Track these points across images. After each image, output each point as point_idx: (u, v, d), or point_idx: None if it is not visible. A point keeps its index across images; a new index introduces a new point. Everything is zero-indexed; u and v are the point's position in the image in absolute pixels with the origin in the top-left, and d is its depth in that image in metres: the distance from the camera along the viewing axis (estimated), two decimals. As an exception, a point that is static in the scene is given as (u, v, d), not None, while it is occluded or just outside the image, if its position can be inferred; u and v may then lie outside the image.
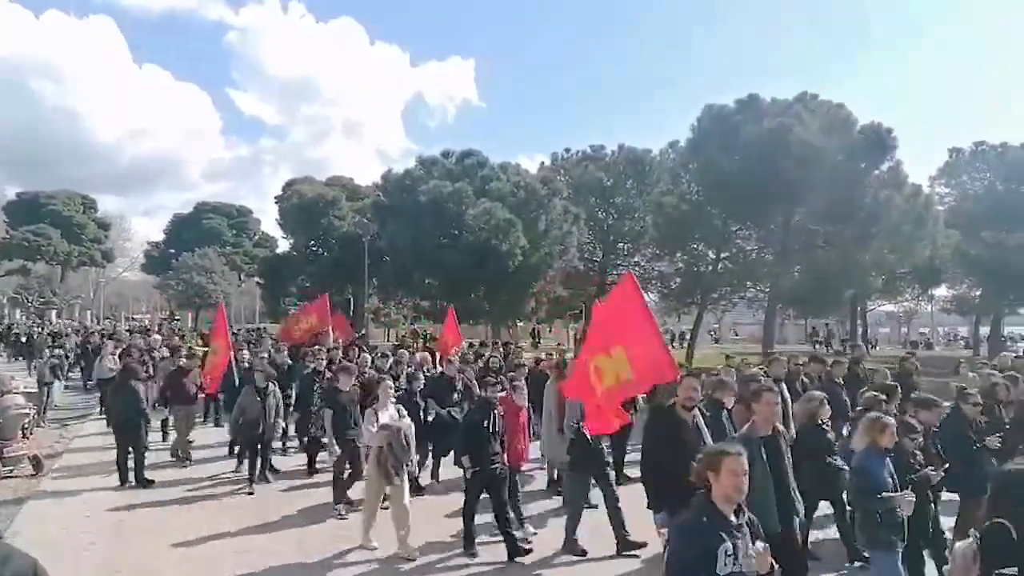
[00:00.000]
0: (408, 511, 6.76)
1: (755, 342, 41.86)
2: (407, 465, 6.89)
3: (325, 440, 8.41)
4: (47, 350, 18.68)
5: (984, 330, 39.93)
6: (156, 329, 30.71)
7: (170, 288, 51.54)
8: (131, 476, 9.19)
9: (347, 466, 8.22)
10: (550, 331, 49.89)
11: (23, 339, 28.04)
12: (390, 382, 7.44)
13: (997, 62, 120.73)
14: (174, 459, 10.64)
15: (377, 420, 6.90)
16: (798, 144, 24.45)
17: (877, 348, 40.90)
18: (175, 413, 10.87)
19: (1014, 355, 14.19)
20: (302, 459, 10.43)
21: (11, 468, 9.72)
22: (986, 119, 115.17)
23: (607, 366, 5.97)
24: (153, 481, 9.32)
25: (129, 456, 9.23)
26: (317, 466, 9.98)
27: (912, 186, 27.33)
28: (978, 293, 37.86)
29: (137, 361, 11.60)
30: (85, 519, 7.76)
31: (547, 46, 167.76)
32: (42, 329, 33.17)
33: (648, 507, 5.71)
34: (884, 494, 4.76)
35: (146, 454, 9.54)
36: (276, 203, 48.82)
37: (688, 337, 33.84)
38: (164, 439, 11.91)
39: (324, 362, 10.51)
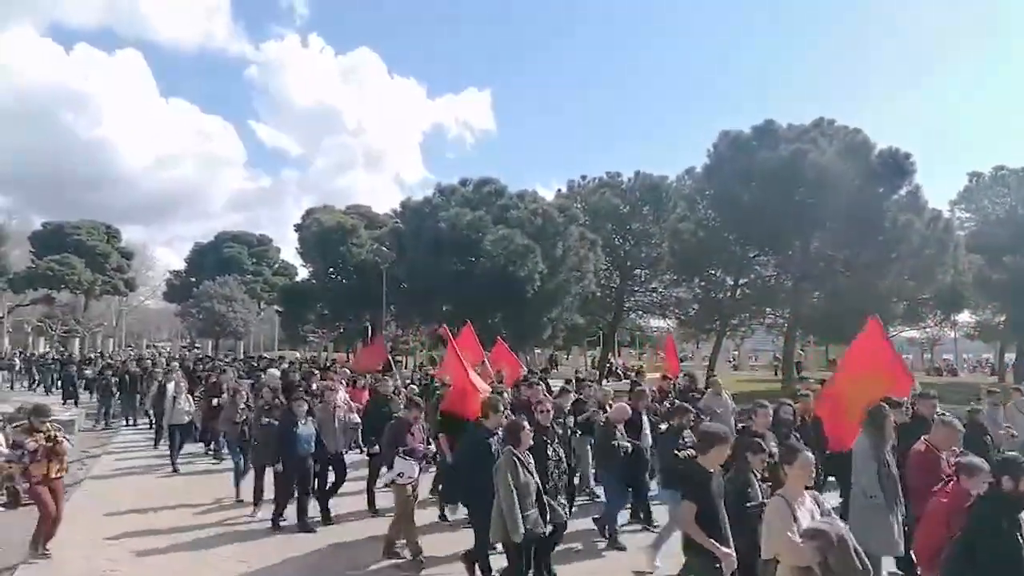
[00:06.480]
0: None
1: (769, 369, 41.47)
2: None
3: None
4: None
5: (1010, 356, 39.22)
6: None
7: (191, 316, 52.03)
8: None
9: None
10: (567, 358, 49.76)
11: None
12: (809, 455, 4.42)
13: (1015, 86, 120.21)
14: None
15: (796, 520, 4.08)
16: (815, 169, 24.45)
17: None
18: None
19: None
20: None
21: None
22: (1006, 143, 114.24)
23: None
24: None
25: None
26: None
27: (932, 211, 27.13)
28: (1002, 319, 37.27)
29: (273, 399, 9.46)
30: (107, 547, 7.72)
31: (562, 75, 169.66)
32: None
33: None
34: None
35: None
36: (296, 231, 49.58)
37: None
38: None
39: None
